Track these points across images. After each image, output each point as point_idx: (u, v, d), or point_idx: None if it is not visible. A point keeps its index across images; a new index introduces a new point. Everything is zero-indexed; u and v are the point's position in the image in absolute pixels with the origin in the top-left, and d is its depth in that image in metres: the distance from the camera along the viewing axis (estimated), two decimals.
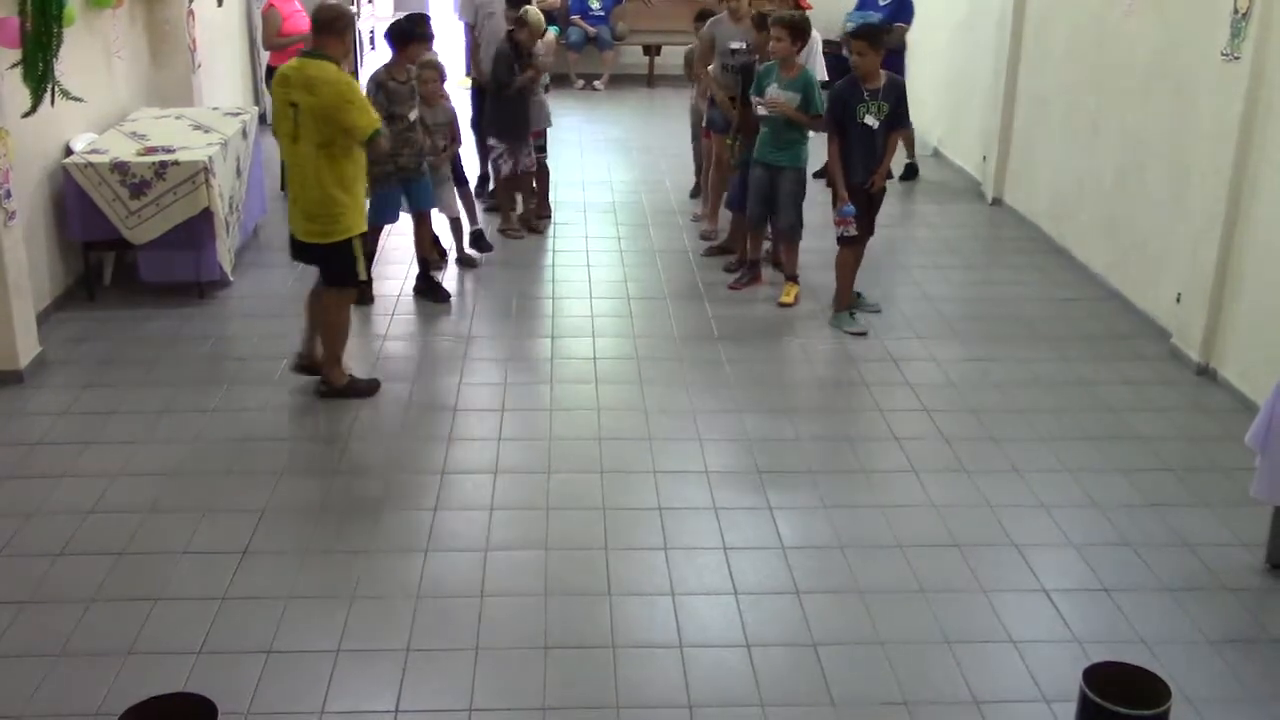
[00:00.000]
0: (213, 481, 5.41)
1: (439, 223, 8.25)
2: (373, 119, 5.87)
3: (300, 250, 6.19)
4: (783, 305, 7.65)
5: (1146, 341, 7.16)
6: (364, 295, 7.54)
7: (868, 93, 6.95)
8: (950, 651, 4.31)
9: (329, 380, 6.21)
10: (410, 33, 7.18)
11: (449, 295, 7.66)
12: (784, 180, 7.57)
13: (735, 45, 8.36)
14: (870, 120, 6.96)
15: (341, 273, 6.12)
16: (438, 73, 7.81)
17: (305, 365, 6.33)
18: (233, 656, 4.21)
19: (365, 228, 6.18)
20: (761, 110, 7.45)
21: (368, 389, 6.26)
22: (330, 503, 5.25)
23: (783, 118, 7.39)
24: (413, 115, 7.29)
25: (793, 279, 7.79)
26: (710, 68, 8.61)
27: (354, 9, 10.05)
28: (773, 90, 7.38)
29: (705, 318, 7.46)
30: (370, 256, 7.57)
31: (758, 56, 7.88)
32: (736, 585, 4.69)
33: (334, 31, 5.83)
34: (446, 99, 8.00)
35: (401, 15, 7.54)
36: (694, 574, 4.76)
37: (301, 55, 5.89)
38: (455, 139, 8.09)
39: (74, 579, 4.64)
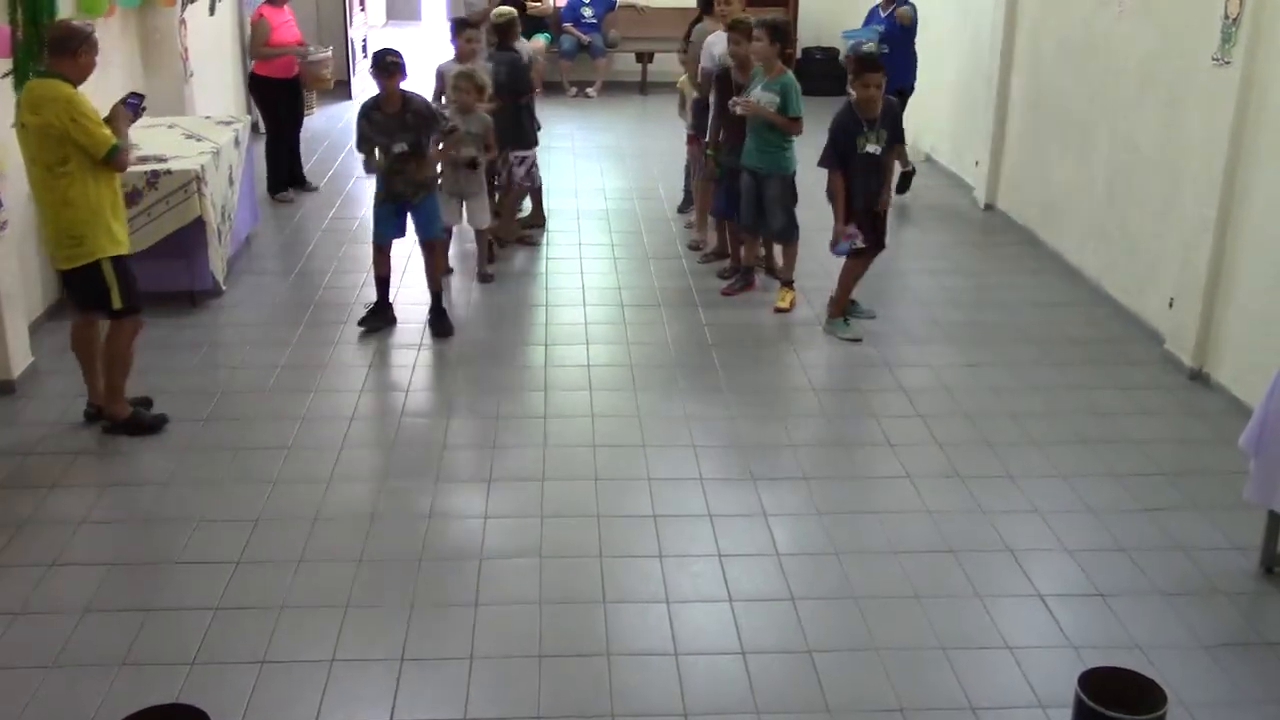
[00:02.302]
0: (205, 491, 5.39)
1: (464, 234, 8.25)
2: (105, 135, 5.48)
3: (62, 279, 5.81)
4: (779, 310, 7.65)
5: (1139, 346, 7.17)
6: (386, 317, 7.32)
7: (867, 123, 6.95)
8: (945, 657, 4.31)
9: (111, 415, 5.88)
10: (394, 65, 6.94)
11: (452, 330, 7.31)
12: (769, 187, 7.58)
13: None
14: (872, 149, 6.98)
15: (94, 299, 5.76)
16: (472, 83, 7.75)
17: (96, 412, 5.99)
18: (226, 667, 4.19)
19: (119, 251, 5.72)
20: (738, 110, 7.49)
21: (152, 424, 5.92)
22: (324, 511, 5.23)
23: (761, 121, 7.41)
24: (397, 149, 6.98)
25: (788, 284, 7.79)
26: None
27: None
28: (756, 93, 7.41)
29: (699, 324, 7.46)
30: (384, 281, 7.33)
31: (733, 64, 7.90)
32: (731, 592, 4.68)
33: (65, 51, 5.46)
34: (480, 109, 7.87)
35: (383, 47, 7.26)
36: (689, 581, 4.75)
37: (36, 74, 5.58)
38: (489, 148, 7.92)
39: (66, 590, 4.63)
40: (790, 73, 7.52)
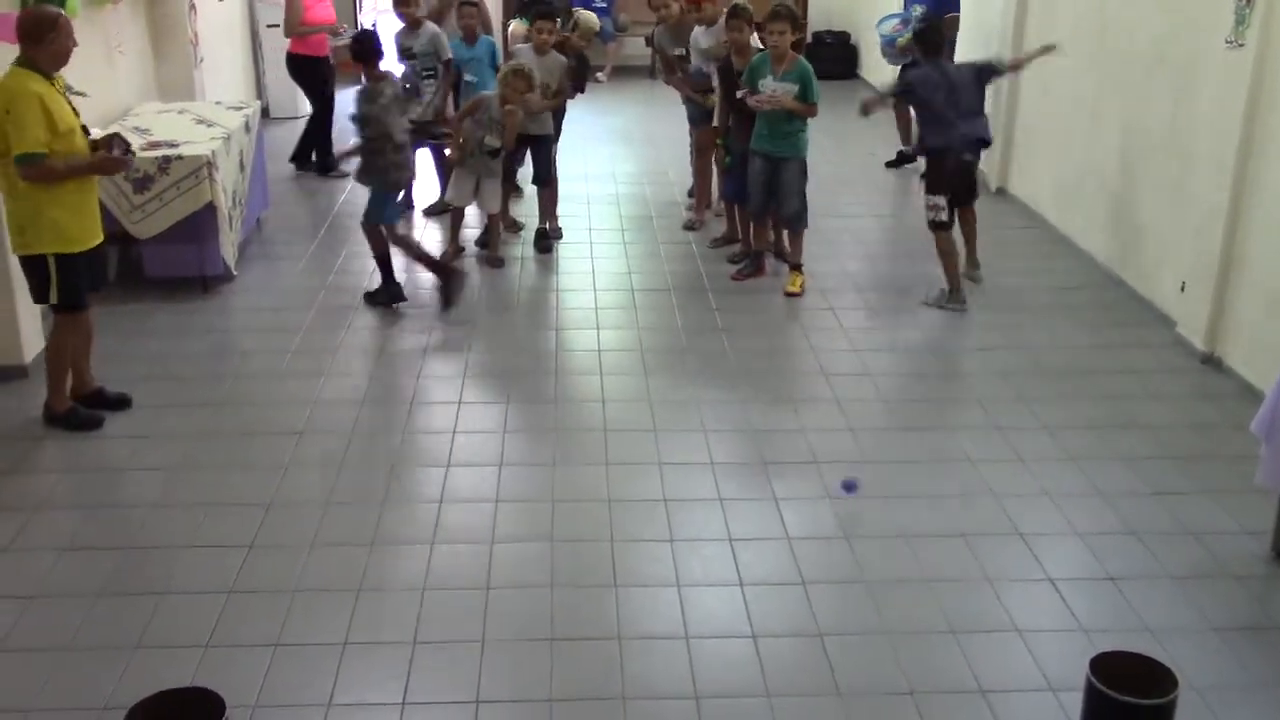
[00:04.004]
0: (218, 475, 5.42)
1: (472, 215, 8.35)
2: (30, 138, 5.25)
3: None
4: (790, 295, 7.64)
5: (1151, 330, 7.15)
6: (395, 295, 7.41)
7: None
8: (956, 641, 4.31)
9: (49, 405, 5.85)
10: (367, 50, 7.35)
11: (403, 299, 7.47)
12: (786, 170, 7.57)
13: (678, 51, 8.72)
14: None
15: (37, 291, 5.71)
16: (527, 83, 7.71)
17: (80, 397, 5.96)
18: (240, 650, 4.22)
19: (68, 249, 5.56)
20: (764, 107, 7.39)
21: (85, 422, 5.84)
22: (336, 496, 5.25)
23: (781, 110, 7.38)
24: (397, 136, 7.17)
25: (797, 268, 7.78)
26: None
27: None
28: (768, 83, 7.37)
29: (709, 309, 7.46)
30: (384, 259, 7.41)
31: (731, 51, 7.88)
32: (742, 576, 4.69)
33: (34, 40, 5.34)
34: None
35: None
36: (699, 565, 4.76)
37: (15, 62, 5.44)
38: (507, 140, 7.87)
39: (80, 573, 4.65)
40: (804, 59, 7.49)
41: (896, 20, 10.13)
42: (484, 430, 5.90)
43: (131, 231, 7.26)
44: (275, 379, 6.41)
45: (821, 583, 4.65)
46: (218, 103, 9.09)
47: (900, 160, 10.87)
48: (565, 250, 8.56)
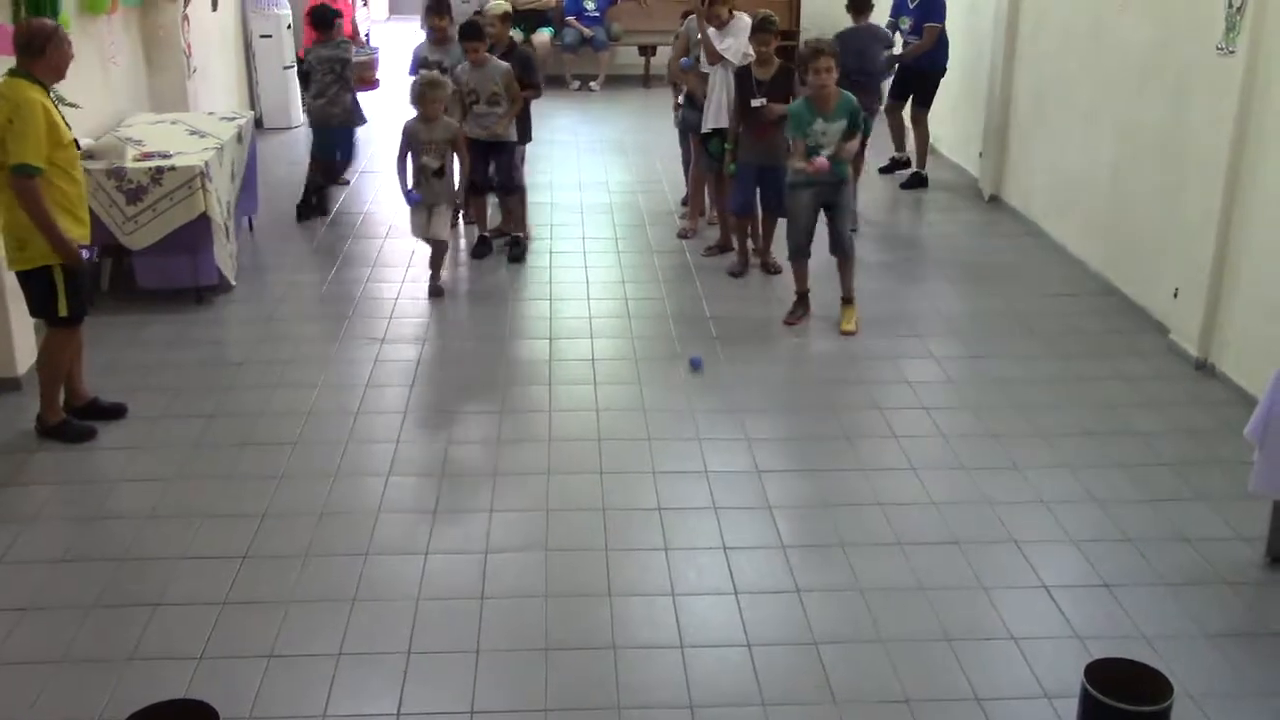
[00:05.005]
0: (212, 486, 5.41)
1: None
2: (32, 150, 5.21)
3: None
4: (846, 334, 7.23)
5: (1144, 337, 7.16)
6: (317, 207, 9.23)
7: None
8: (951, 649, 4.31)
9: (41, 417, 5.81)
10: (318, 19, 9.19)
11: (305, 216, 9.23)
12: (842, 196, 7.29)
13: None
14: None
15: (40, 304, 5.65)
16: (441, 93, 7.67)
17: (75, 408, 5.95)
18: (234, 661, 4.21)
19: (69, 260, 5.53)
20: (839, 158, 7.06)
21: (78, 434, 5.80)
22: (330, 506, 5.25)
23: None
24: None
25: (850, 301, 7.39)
26: (683, 60, 8.72)
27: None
28: (819, 126, 7.01)
29: (704, 318, 7.46)
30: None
31: (753, 59, 7.85)
32: (737, 585, 4.69)
33: (31, 52, 5.33)
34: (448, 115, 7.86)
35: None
36: (694, 574, 4.76)
37: (9, 73, 5.41)
38: (459, 154, 7.84)
39: (75, 585, 4.64)
40: (845, 91, 7.15)
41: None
42: (478, 440, 5.90)
43: (124, 242, 7.25)
44: (269, 390, 6.40)
45: (816, 591, 4.65)
46: (211, 113, 9.08)
47: (893, 166, 10.91)
48: (559, 259, 8.56)
